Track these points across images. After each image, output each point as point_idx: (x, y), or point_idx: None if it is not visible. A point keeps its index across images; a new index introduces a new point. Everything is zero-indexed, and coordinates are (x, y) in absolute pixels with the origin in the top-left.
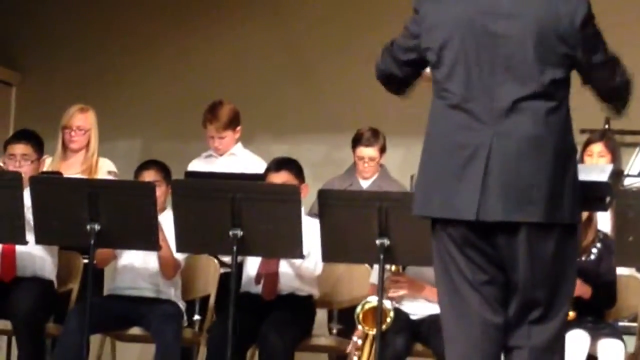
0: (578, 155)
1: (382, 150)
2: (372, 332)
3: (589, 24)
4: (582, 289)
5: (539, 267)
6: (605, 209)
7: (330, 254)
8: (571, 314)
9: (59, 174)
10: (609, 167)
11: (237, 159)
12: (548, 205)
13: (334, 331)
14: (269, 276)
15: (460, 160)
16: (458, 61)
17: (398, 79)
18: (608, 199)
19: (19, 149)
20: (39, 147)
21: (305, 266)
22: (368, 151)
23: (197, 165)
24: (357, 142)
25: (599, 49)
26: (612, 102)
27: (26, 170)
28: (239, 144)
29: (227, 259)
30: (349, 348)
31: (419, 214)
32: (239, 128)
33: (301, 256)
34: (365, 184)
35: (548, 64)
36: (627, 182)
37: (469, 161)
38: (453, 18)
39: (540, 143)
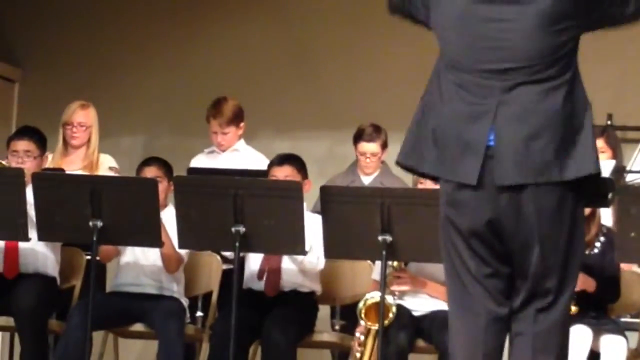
0: None
1: (384, 146)
2: (375, 327)
3: None
4: (586, 282)
5: (551, 250)
6: (607, 205)
7: (332, 250)
8: (573, 309)
9: (61, 170)
10: (611, 163)
11: (240, 154)
12: (557, 164)
13: (337, 327)
14: (271, 272)
15: (465, 129)
16: (463, 45)
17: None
18: (610, 195)
19: (22, 145)
20: (42, 143)
21: (308, 261)
22: (370, 147)
23: (200, 160)
24: (358, 137)
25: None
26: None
27: (29, 166)
28: (242, 140)
29: (229, 255)
30: (352, 344)
31: (405, 163)
32: (242, 124)
33: (303, 252)
34: (367, 180)
35: (552, 43)
36: (629, 178)
37: (473, 124)
38: (455, 3)
39: (547, 108)
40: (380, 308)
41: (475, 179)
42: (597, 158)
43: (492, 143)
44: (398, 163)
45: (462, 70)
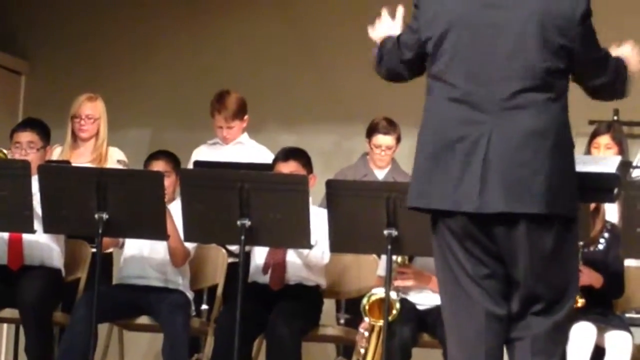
0: (585, 147)
1: (399, 139)
2: (379, 324)
3: (587, 18)
4: (593, 278)
5: (538, 262)
6: (613, 201)
7: (338, 244)
8: (581, 301)
9: (67, 162)
10: (617, 159)
11: (244, 147)
12: (548, 196)
13: (342, 321)
14: (276, 266)
15: (459, 153)
16: (457, 53)
17: (402, 76)
18: (616, 190)
19: (25, 136)
20: (45, 135)
21: (313, 254)
22: (385, 139)
23: (203, 151)
24: (373, 130)
25: (595, 44)
26: (600, 97)
27: (32, 158)
28: (245, 133)
29: (235, 248)
30: (357, 339)
31: (416, 205)
32: (246, 117)
33: (309, 246)
34: (380, 174)
35: (548, 56)
36: (635, 173)
37: (468, 153)
38: (453, 9)
39: (540, 136)
40: (385, 304)
41: (475, 207)
42: (576, 204)
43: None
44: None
45: (454, 81)
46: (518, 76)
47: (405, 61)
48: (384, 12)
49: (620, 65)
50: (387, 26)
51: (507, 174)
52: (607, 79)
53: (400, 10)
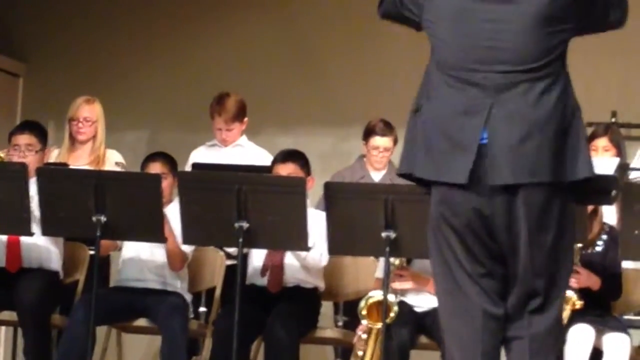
0: None
1: (395, 141)
2: (377, 326)
3: None
4: (591, 280)
5: (538, 255)
6: (610, 203)
7: (336, 246)
8: (579, 303)
9: (65, 165)
10: (615, 161)
11: (244, 150)
12: (551, 166)
13: (340, 323)
14: (274, 268)
15: (456, 127)
16: (455, 43)
17: (395, 22)
18: (614, 192)
19: (23, 139)
20: (43, 137)
21: (311, 257)
22: (383, 141)
23: (201, 152)
24: (371, 132)
25: (595, 7)
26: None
27: (30, 160)
28: (244, 135)
29: (233, 250)
30: (354, 341)
31: (400, 172)
32: (245, 119)
33: (306, 248)
34: (377, 177)
35: (546, 45)
36: (633, 175)
37: (465, 123)
38: (450, 2)
39: (540, 109)
40: (383, 306)
41: (466, 177)
42: (591, 162)
43: (484, 141)
44: (397, 174)
45: (454, 69)
46: (517, 68)
47: (401, 16)
48: None
49: None
50: None
51: (507, 148)
52: (611, 18)
53: None
